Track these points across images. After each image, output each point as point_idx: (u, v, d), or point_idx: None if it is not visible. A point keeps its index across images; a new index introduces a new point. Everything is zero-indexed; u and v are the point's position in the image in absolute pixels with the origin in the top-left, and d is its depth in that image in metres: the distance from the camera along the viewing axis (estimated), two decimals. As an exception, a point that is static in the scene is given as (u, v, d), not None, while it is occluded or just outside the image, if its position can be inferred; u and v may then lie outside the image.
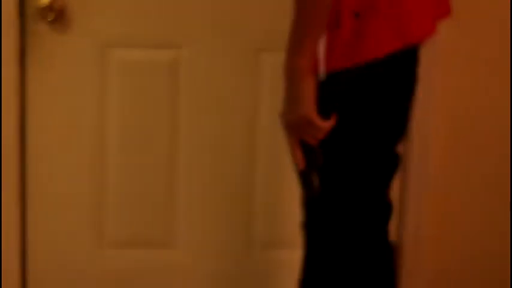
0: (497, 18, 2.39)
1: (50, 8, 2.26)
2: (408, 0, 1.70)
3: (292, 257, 2.16)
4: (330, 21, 1.66)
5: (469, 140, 2.47)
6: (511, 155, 2.47)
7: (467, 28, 2.37)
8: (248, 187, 2.44)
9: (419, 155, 2.42)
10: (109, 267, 2.49)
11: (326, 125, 1.70)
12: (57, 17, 2.28)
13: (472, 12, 2.35)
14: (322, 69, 1.67)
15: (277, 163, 2.41)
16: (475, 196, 2.51)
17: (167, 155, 2.42)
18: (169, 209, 2.45)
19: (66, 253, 2.46)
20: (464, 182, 2.50)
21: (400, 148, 1.88)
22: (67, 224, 2.45)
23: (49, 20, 2.27)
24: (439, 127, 2.43)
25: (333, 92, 1.71)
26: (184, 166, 2.42)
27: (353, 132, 1.75)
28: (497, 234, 2.52)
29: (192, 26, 2.34)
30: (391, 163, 1.85)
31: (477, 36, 2.40)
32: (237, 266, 2.50)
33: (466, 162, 2.48)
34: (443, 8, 1.86)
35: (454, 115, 2.44)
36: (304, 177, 1.76)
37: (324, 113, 1.72)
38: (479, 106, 2.44)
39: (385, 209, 1.88)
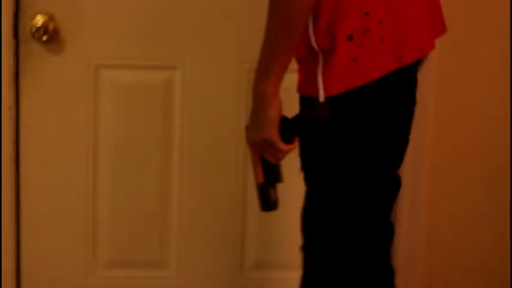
0: (492, 37, 2.41)
1: (44, 28, 2.27)
2: (402, 19, 1.70)
3: (284, 278, 2.17)
4: (325, 45, 1.67)
5: (462, 161, 2.47)
6: (510, 180, 2.48)
7: (461, 47, 2.39)
8: (241, 208, 2.45)
9: (412, 177, 2.43)
10: (103, 287, 2.48)
11: (287, 148, 1.74)
12: (51, 37, 2.29)
13: (465, 31, 2.37)
14: (321, 95, 1.68)
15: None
16: (468, 217, 2.51)
17: (161, 176, 2.42)
18: (162, 229, 2.45)
19: (60, 273, 2.46)
20: (457, 204, 2.50)
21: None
22: (61, 244, 2.45)
23: (43, 40, 2.28)
24: (431, 147, 2.44)
25: (334, 116, 1.71)
26: (177, 187, 2.42)
27: (354, 154, 1.74)
28: (492, 255, 2.53)
29: (185, 47, 2.35)
30: (391, 186, 1.84)
31: (472, 55, 2.41)
32: (230, 287, 2.49)
33: (459, 183, 2.49)
34: (438, 25, 1.85)
35: (446, 136, 2.45)
36: (262, 191, 1.82)
37: (325, 136, 1.73)
38: (473, 128, 2.45)
39: (386, 232, 1.87)
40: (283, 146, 1.73)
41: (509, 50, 2.40)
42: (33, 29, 2.28)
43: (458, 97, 2.43)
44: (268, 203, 1.82)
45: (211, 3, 2.33)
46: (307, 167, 1.81)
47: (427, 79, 2.34)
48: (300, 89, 1.74)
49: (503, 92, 2.44)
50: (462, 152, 2.47)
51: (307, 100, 1.72)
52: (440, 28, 1.87)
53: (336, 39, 1.66)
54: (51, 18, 2.28)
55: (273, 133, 1.72)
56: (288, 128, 1.73)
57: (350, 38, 1.66)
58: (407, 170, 2.30)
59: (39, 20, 2.27)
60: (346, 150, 1.73)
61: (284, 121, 1.73)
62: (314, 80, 1.69)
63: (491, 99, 2.45)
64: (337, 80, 1.67)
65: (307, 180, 1.81)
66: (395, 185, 1.86)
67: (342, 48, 1.66)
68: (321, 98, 1.68)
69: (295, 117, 1.74)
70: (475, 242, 2.53)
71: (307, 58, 1.71)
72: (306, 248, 1.85)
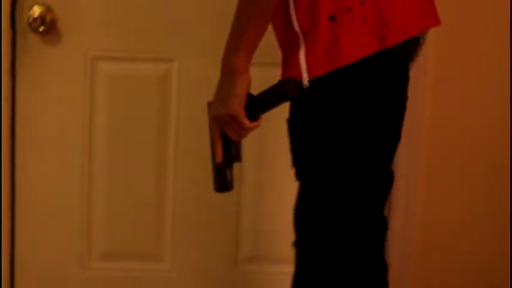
0: (491, 36, 2.40)
1: (41, 19, 2.27)
2: (384, 1, 1.68)
3: (278, 272, 2.16)
4: (307, 27, 1.66)
5: (460, 161, 2.47)
6: (510, 180, 2.47)
7: (458, 45, 2.39)
8: (235, 202, 2.44)
9: (407, 176, 2.42)
10: (97, 279, 2.49)
11: (251, 125, 1.72)
12: (48, 28, 2.29)
13: (463, 29, 2.36)
14: (305, 78, 1.66)
15: (264, 179, 2.42)
16: (467, 217, 2.51)
17: (156, 169, 2.42)
18: (158, 222, 2.45)
19: (54, 265, 2.46)
20: (455, 203, 2.50)
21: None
22: (56, 236, 2.44)
23: (40, 31, 2.27)
24: (428, 146, 2.44)
25: (318, 100, 1.70)
26: (173, 180, 2.42)
27: (344, 143, 1.72)
28: (491, 255, 2.52)
29: (183, 40, 2.35)
30: (384, 180, 1.82)
31: (470, 53, 2.40)
32: (224, 280, 2.49)
33: (458, 183, 2.48)
34: (428, 14, 1.81)
35: (443, 135, 2.45)
36: (219, 170, 1.78)
37: (311, 122, 1.71)
38: (472, 127, 2.44)
39: (379, 227, 1.85)
40: (247, 122, 1.71)
41: (509, 50, 2.40)
42: (30, 20, 2.27)
43: (456, 96, 2.43)
44: (224, 183, 1.78)
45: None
46: (298, 161, 1.79)
47: (424, 78, 2.33)
48: (283, 75, 1.72)
49: (503, 91, 2.43)
50: (460, 152, 2.47)
51: None
52: (432, 19, 1.83)
53: (317, 20, 1.65)
54: (48, 9, 2.28)
55: (238, 108, 1.70)
56: (254, 105, 1.71)
57: (332, 18, 1.65)
58: (402, 169, 2.30)
59: (36, 10, 2.27)
60: (335, 138, 1.71)
61: (250, 97, 1.71)
62: (297, 63, 1.67)
63: (490, 98, 2.44)
64: (320, 62, 1.65)
65: (299, 175, 1.80)
66: (387, 179, 1.84)
67: (323, 28, 1.65)
68: (305, 82, 1.66)
69: (262, 94, 1.72)
70: (474, 241, 2.53)
71: (288, 42, 1.70)
72: (298, 244, 1.84)
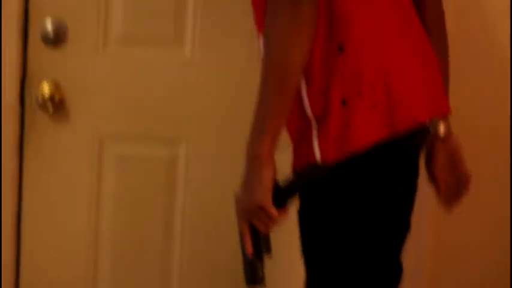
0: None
1: (50, 100, 2.27)
2: (397, 87, 1.69)
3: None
4: (319, 112, 1.66)
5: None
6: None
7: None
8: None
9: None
10: None
11: (280, 214, 1.67)
12: (57, 107, 2.29)
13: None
14: (319, 162, 1.65)
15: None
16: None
17: (161, 250, 2.40)
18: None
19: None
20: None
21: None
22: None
23: (49, 112, 2.28)
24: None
25: (328, 189, 1.69)
26: (178, 263, 2.40)
27: (350, 232, 1.71)
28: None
29: (191, 121, 2.34)
30: (393, 271, 1.81)
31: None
32: None
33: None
34: (437, 102, 1.82)
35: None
36: (251, 265, 1.72)
37: (321, 213, 1.71)
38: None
39: None
40: (275, 212, 1.66)
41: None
42: (40, 101, 2.27)
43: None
44: (255, 277, 1.71)
45: (217, 82, 2.32)
46: (307, 252, 1.78)
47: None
48: (296, 162, 1.71)
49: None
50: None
51: None
52: (442, 107, 1.84)
53: (329, 104, 1.65)
54: (56, 87, 2.28)
55: (265, 197, 1.65)
56: (281, 192, 1.67)
57: (343, 103, 1.65)
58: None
59: (45, 88, 2.27)
60: (344, 228, 1.70)
61: (276, 185, 1.67)
62: (311, 149, 1.67)
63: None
64: (333, 147, 1.65)
65: (308, 264, 1.79)
66: (396, 271, 1.83)
67: (335, 113, 1.65)
68: (322, 168, 1.66)
69: (289, 180, 1.69)
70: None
71: (300, 128, 1.70)
72: None
